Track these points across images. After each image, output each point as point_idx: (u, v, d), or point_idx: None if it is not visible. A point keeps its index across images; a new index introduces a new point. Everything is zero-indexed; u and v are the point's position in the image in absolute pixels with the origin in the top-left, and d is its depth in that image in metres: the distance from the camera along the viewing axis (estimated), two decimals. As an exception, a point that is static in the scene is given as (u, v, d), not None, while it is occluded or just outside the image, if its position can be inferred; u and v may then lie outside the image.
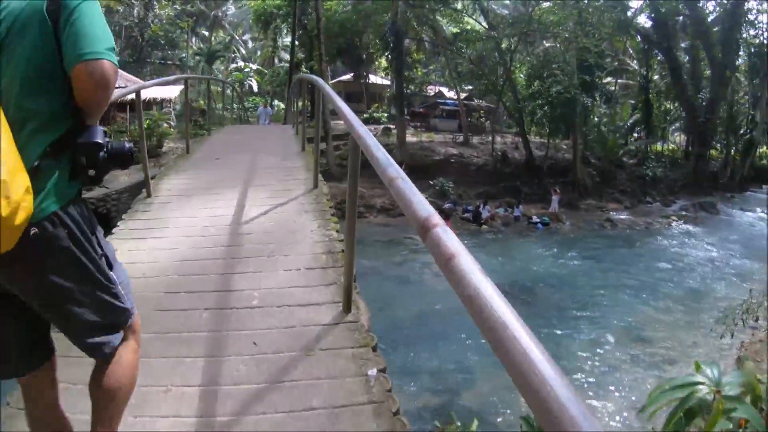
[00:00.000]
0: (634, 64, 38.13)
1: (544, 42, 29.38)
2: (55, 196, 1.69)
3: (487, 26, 29.08)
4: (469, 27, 35.56)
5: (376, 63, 41.90)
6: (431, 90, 40.26)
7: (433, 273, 15.86)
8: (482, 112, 36.58)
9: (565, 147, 30.10)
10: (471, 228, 21.69)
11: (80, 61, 1.64)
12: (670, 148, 40.92)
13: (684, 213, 26.95)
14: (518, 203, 23.65)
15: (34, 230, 1.61)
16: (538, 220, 22.71)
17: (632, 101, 39.47)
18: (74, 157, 1.74)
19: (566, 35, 26.42)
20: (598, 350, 11.76)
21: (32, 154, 1.64)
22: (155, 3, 40.52)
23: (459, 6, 31.37)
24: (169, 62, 45.93)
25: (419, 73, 37.95)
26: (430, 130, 33.40)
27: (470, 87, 36.42)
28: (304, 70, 34.90)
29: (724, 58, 32.23)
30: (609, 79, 36.05)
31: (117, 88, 2.15)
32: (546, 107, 26.13)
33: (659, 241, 22.31)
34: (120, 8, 39.41)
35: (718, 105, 33.01)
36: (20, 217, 1.50)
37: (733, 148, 36.28)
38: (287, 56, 34.80)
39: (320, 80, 6.13)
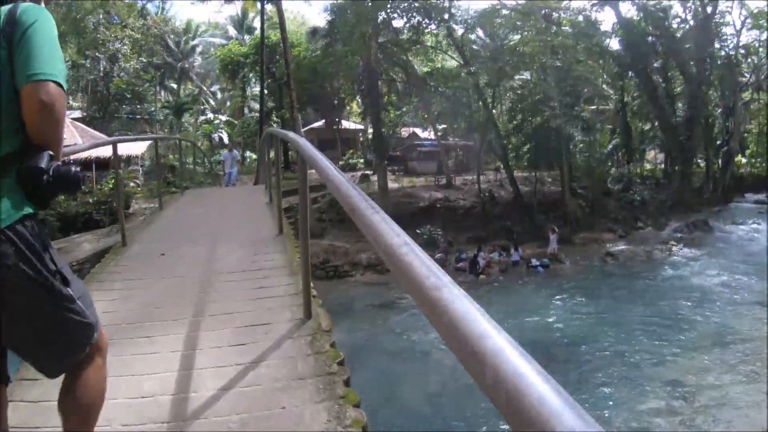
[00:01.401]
0: (608, 89, 36.64)
1: (522, 74, 27.49)
2: (2, 215, 1.62)
3: (462, 62, 27.13)
4: (440, 65, 34.14)
5: (348, 108, 40.17)
6: (405, 132, 38.44)
7: (438, 341, 13.70)
8: (459, 151, 34.64)
9: (550, 180, 28.28)
10: (467, 279, 19.55)
11: (28, 82, 1.62)
12: (648, 168, 39.58)
13: (680, 236, 25.59)
14: (516, 246, 21.55)
15: None
16: (538, 263, 20.68)
17: (609, 126, 37.94)
18: (18, 180, 1.68)
19: (543, 63, 24.51)
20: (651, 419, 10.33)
21: None
22: (120, 56, 38.32)
23: (430, 44, 29.54)
24: (138, 116, 43.53)
25: (392, 114, 36.05)
26: (408, 174, 31.52)
27: (444, 126, 34.66)
28: (274, 119, 33.15)
29: (698, 74, 31.25)
30: (586, 106, 34.52)
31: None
32: (531, 141, 24.33)
33: (666, 272, 20.73)
34: (87, 62, 37.32)
35: (696, 121, 31.66)
36: None
37: (713, 161, 35.25)
38: (257, 105, 32.71)
39: (291, 134, 5.17)
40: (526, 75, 27.26)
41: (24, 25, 1.66)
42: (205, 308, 4.24)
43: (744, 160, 41.28)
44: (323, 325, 3.56)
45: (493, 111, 27.66)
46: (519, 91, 26.08)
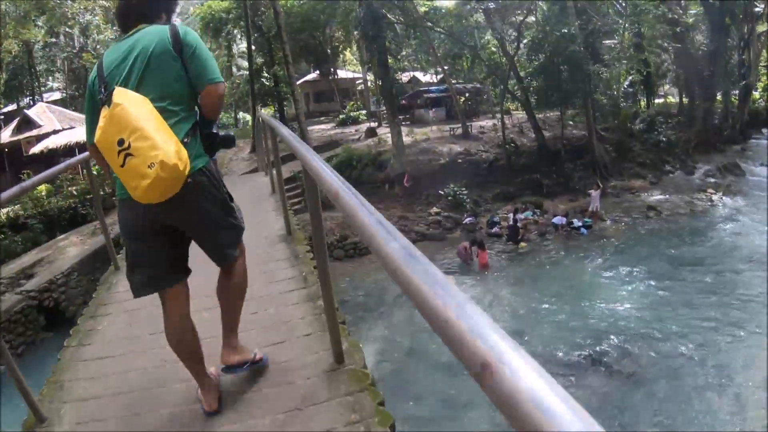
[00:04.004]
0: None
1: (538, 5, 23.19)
2: (198, 159, 2.33)
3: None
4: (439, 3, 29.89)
5: (341, 57, 35.84)
6: (404, 77, 33.95)
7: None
8: (467, 95, 30.45)
9: (571, 123, 24.42)
10: (506, 247, 16.02)
11: (208, 84, 2.33)
12: (660, 103, 35.69)
13: (713, 181, 22.94)
14: (566, 213, 17.91)
15: (189, 180, 2.20)
16: (580, 224, 17.14)
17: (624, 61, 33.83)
18: (202, 140, 2.40)
19: None
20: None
21: (180, 136, 2.23)
22: (92, 28, 33.69)
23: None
24: (121, 90, 38.96)
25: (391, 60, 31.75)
26: (415, 123, 27.45)
27: (446, 68, 30.43)
28: (265, 75, 29.00)
29: (722, 4, 27.01)
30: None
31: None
32: (556, 81, 20.48)
33: (715, 229, 17.65)
34: (60, 39, 32.82)
35: (720, 54, 27.78)
36: (186, 170, 2.13)
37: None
38: (246, 63, 28.39)
39: (274, 122, 5.01)
40: (543, 5, 23.09)
41: (191, 46, 2.33)
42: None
43: (757, 94, 37.26)
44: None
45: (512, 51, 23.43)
46: (540, 25, 21.72)
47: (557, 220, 17.18)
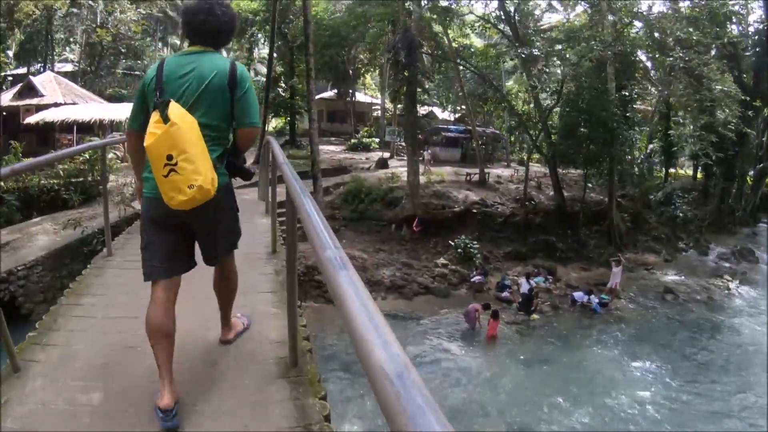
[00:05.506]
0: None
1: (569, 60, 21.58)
2: (221, 177, 2.57)
3: (513, 38, 21.12)
4: (468, 42, 28.42)
5: (360, 79, 34.25)
6: (422, 110, 32.32)
7: None
8: (485, 139, 28.76)
9: (590, 186, 22.85)
10: (517, 317, 14.22)
11: (246, 126, 2.64)
12: (677, 174, 34.21)
13: (728, 266, 21.47)
14: (590, 292, 15.84)
15: (215, 194, 2.46)
16: (597, 301, 15.29)
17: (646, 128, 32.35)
18: (226, 165, 2.69)
19: (602, 49, 18.65)
20: None
21: (212, 156, 2.49)
22: (116, 5, 32.07)
23: (477, 13, 23.50)
24: (136, 72, 37.36)
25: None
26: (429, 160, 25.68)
27: (463, 108, 28.92)
28: (282, 85, 27.31)
29: (755, 86, 25.71)
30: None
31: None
32: (585, 142, 18.84)
33: (735, 324, 15.81)
34: (81, 10, 31.13)
35: (747, 136, 26.36)
36: (215, 187, 2.43)
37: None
38: (264, 69, 26.69)
39: (273, 141, 5.44)
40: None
41: (244, 86, 2.57)
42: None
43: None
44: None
45: (539, 100, 21.81)
46: (577, 81, 19.99)
47: (578, 296, 15.31)
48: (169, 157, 2.29)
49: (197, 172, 2.31)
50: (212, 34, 2.61)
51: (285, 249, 5.19)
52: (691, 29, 20.58)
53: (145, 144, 2.36)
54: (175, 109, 2.34)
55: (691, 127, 28.14)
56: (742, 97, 23.43)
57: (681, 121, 28.23)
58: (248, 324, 3.31)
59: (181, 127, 2.31)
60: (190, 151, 2.31)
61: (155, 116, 2.34)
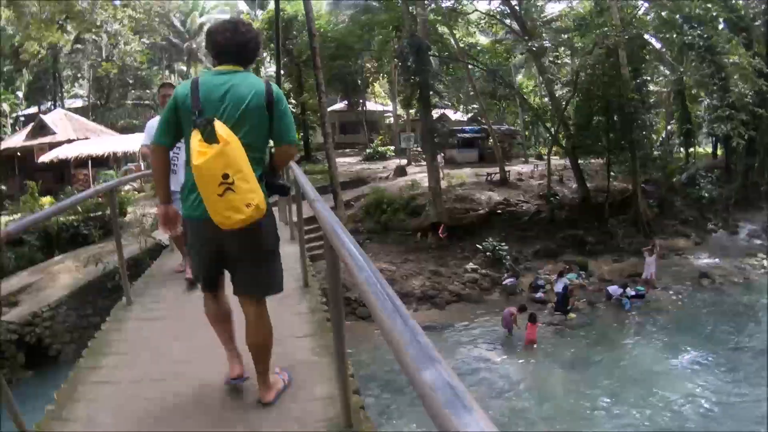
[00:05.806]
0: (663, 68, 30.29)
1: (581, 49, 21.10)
2: (263, 202, 2.44)
3: (521, 33, 20.73)
4: (473, 41, 28.05)
5: (370, 88, 34.03)
6: (435, 114, 32.02)
7: None
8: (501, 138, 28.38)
9: (611, 174, 22.34)
10: (554, 318, 13.81)
11: (285, 143, 2.64)
12: (696, 153, 33.46)
13: (759, 243, 21.03)
14: (625, 285, 15.14)
15: None
16: (633, 294, 14.81)
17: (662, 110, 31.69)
18: (265, 186, 2.59)
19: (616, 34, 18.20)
20: None
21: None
22: (120, 38, 32.20)
23: (475, 15, 23.20)
24: (146, 102, 37.53)
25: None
26: (447, 163, 25.35)
27: (475, 107, 28.51)
28: (292, 101, 27.16)
29: None
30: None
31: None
32: (605, 130, 18.42)
33: None
34: (85, 45, 31.39)
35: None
36: (261, 210, 2.39)
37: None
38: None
39: (297, 169, 4.57)
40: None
41: (281, 105, 2.55)
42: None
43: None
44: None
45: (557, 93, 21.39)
46: (591, 70, 19.52)
47: (613, 290, 14.85)
48: (225, 176, 2.26)
49: (252, 191, 2.32)
50: (238, 52, 2.59)
51: (318, 283, 5.00)
52: (709, 5, 20.12)
53: (194, 163, 2.31)
54: (221, 129, 2.31)
55: (716, 104, 27.71)
56: (759, 68, 22.76)
57: (700, 100, 27.67)
58: (289, 380, 2.96)
59: (234, 146, 2.30)
60: (245, 170, 2.31)
61: (197, 135, 2.31)
